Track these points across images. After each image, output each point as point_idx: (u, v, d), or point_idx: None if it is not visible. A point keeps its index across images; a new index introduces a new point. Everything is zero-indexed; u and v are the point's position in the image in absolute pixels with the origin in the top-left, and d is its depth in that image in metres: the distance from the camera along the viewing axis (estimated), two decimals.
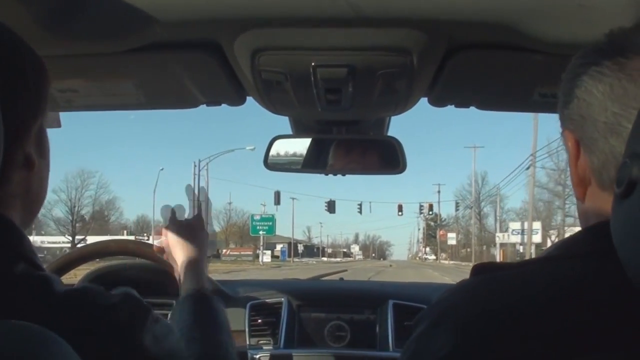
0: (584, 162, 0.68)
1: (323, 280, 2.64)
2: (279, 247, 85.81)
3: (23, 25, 0.99)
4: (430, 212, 72.28)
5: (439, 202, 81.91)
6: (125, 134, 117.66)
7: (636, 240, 0.53)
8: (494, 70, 1.27)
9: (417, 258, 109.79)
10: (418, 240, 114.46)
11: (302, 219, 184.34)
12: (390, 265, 56.78)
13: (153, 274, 1.79)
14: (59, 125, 1.74)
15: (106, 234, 56.60)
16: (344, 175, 1.88)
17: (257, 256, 62.31)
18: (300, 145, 1.83)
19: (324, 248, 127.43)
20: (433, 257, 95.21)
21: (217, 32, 1.13)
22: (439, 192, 76.81)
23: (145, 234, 62.07)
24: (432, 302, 0.68)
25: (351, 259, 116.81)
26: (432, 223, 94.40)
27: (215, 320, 1.16)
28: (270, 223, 53.08)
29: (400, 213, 66.61)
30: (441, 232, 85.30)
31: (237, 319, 2.02)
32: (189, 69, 1.29)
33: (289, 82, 1.26)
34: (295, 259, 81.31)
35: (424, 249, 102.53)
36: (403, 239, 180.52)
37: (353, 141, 1.82)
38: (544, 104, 1.41)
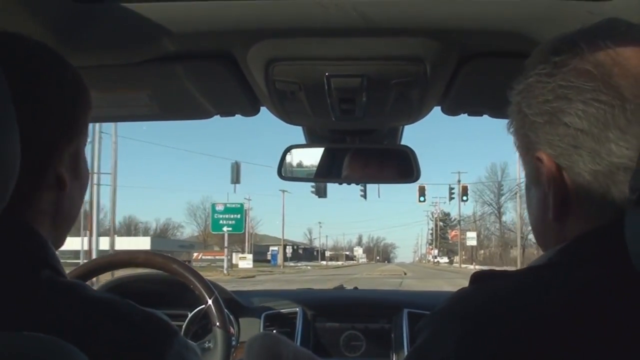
0: (568, 183, 0.66)
1: (337, 290, 2.63)
2: (275, 249, 77.80)
3: (37, 37, 1.00)
4: (465, 199, 52.29)
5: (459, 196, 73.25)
6: None
7: None
8: (506, 79, 1.25)
9: (426, 261, 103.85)
10: (428, 242, 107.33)
11: (303, 218, 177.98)
12: (405, 274, 45.52)
13: (168, 285, 1.80)
14: None
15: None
16: (357, 184, 1.87)
17: (237, 260, 52.32)
18: (314, 155, 1.83)
19: (324, 251, 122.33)
20: (445, 259, 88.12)
21: (231, 43, 1.13)
22: (458, 181, 58.83)
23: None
24: (433, 311, 0.67)
25: (354, 262, 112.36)
26: (442, 223, 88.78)
27: None
28: (238, 216, 33.55)
29: (422, 199, 48.58)
30: (454, 232, 77.04)
31: (252, 329, 2.02)
32: (202, 79, 1.30)
33: (303, 92, 1.26)
34: (291, 263, 76.18)
35: (432, 251, 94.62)
36: (408, 240, 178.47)
37: (367, 150, 1.82)
38: None
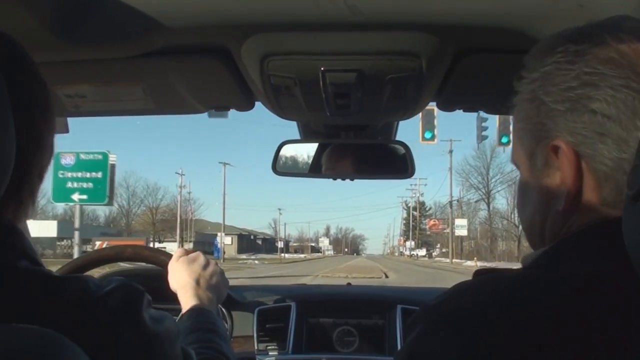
0: (585, 173, 0.65)
1: (331, 286, 2.65)
2: (225, 240, 66.44)
3: (31, 31, 1.00)
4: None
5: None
6: None
7: None
8: (502, 74, 1.26)
9: (399, 253, 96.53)
10: (401, 233, 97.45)
11: (272, 205, 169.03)
12: (386, 275, 33.68)
13: (160, 280, 1.78)
14: (66, 130, 1.71)
15: None
16: (352, 180, 1.87)
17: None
18: (309, 150, 1.83)
19: (287, 242, 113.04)
20: (422, 252, 78.16)
21: (226, 38, 1.13)
22: (450, 151, 52.62)
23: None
24: (426, 305, 0.65)
25: (320, 254, 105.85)
26: (415, 212, 78.90)
27: (213, 327, 1.19)
28: (99, 174, 17.20)
29: (428, 135, 28.97)
30: (432, 222, 68.25)
31: (245, 324, 2.02)
32: (197, 74, 1.29)
33: (298, 87, 1.26)
34: (244, 255, 69.79)
35: (406, 243, 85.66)
36: (378, 231, 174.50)
37: (362, 146, 1.82)
38: None
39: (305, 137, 1.86)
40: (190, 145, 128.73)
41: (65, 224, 52.04)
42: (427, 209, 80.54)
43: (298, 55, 1.14)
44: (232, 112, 1.62)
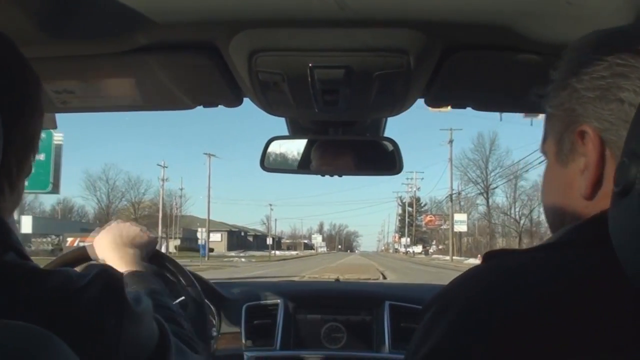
0: (608, 159, 0.67)
1: (319, 282, 2.66)
2: (214, 237, 66.84)
3: (20, 27, 1.00)
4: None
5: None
6: None
7: (634, 238, 0.54)
8: (490, 71, 1.28)
9: (394, 250, 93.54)
10: (396, 230, 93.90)
11: (264, 201, 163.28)
12: (384, 276, 26.83)
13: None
14: (54, 126, 1.71)
15: None
16: (340, 176, 1.87)
17: None
18: (297, 146, 1.83)
19: (279, 239, 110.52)
20: (418, 249, 74.14)
21: (214, 34, 1.13)
22: (450, 141, 50.62)
23: None
24: (440, 290, 0.67)
25: (313, 251, 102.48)
26: (410, 209, 76.16)
27: (152, 287, 1.22)
28: (42, 157, 13.70)
29: None
30: (428, 218, 65.64)
31: (233, 320, 2.03)
32: (185, 70, 1.29)
33: (286, 83, 1.25)
34: (233, 253, 65.66)
35: (401, 240, 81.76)
36: (372, 228, 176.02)
37: (350, 142, 1.82)
38: (540, 105, 1.42)
39: (294, 134, 1.85)
40: (180, 138, 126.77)
41: (41, 220, 50.09)
42: (422, 204, 77.82)
43: (286, 51, 1.14)
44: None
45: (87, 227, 52.21)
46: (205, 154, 58.78)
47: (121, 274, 0.84)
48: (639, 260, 0.54)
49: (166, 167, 57.39)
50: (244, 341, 2.01)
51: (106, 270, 0.80)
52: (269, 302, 2.09)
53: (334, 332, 2.07)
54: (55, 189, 16.20)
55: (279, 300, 2.08)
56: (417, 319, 2.01)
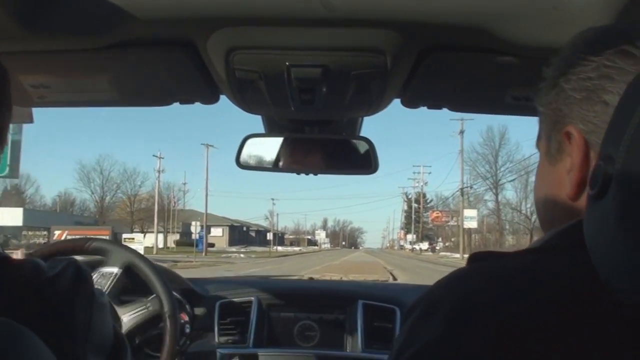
0: (592, 161, 0.67)
1: (293, 280, 2.67)
2: (215, 231, 66.40)
3: None
4: None
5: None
6: None
7: (607, 241, 0.54)
8: (467, 72, 1.29)
9: (399, 247, 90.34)
10: (401, 226, 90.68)
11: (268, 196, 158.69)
12: (393, 277, 23.35)
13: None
14: (31, 120, 1.71)
15: None
16: (316, 175, 1.88)
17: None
18: (273, 145, 1.83)
19: (283, 235, 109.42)
20: (425, 246, 70.79)
21: (192, 31, 1.13)
22: (461, 132, 48.70)
23: None
24: (426, 290, 0.67)
25: (316, 248, 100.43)
26: (416, 205, 73.77)
27: None
28: None
29: None
30: (435, 214, 62.77)
31: (207, 317, 2.03)
32: (162, 67, 1.29)
33: (263, 81, 1.26)
34: (233, 248, 64.01)
35: (406, 236, 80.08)
36: (376, 224, 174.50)
37: (326, 141, 1.82)
38: (516, 106, 1.42)
39: (270, 132, 1.86)
40: (180, 131, 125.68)
41: (32, 212, 48.09)
42: (428, 200, 75.13)
43: (263, 49, 1.14)
44: None
45: (81, 221, 51.73)
46: (203, 144, 56.38)
47: (88, 269, 0.85)
48: (611, 264, 0.55)
49: (162, 158, 55.69)
50: (217, 338, 2.01)
51: (75, 262, 0.81)
52: (242, 299, 2.09)
53: (307, 330, 2.08)
54: (13, 173, 15.50)
55: (252, 298, 2.08)
56: (390, 319, 2.04)
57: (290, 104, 1.38)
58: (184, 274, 2.29)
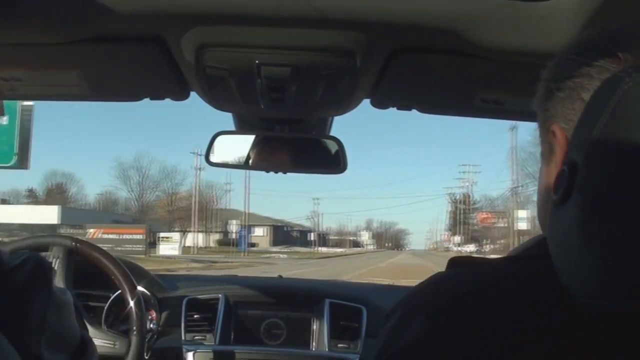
0: None
1: (261, 278, 2.67)
2: (258, 231, 63.57)
3: None
4: None
5: None
6: None
7: (569, 247, 0.54)
8: (436, 74, 1.29)
9: (444, 249, 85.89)
10: (446, 228, 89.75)
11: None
12: None
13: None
14: (1, 112, 1.76)
15: None
16: (285, 173, 1.88)
17: (153, 243, 35.30)
18: (243, 142, 1.83)
19: (325, 235, 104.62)
20: (471, 247, 68.83)
21: (163, 27, 1.13)
22: (512, 128, 48.36)
23: None
24: (405, 295, 0.67)
25: (360, 249, 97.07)
26: (462, 205, 73.80)
27: None
28: (4, 121, 12.95)
29: None
30: (483, 215, 63.30)
31: (175, 314, 2.04)
32: (133, 62, 1.29)
33: (233, 78, 1.26)
34: (275, 248, 62.91)
35: (452, 238, 79.48)
36: (420, 226, 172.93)
37: (295, 139, 1.83)
38: (484, 109, 1.42)
39: (240, 129, 1.86)
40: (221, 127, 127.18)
41: (70, 211, 47.81)
42: (476, 201, 75.10)
43: (234, 47, 1.14)
44: None
45: (119, 219, 51.22)
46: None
47: (50, 262, 0.87)
48: (572, 270, 0.55)
49: (200, 154, 52.02)
50: (183, 336, 2.01)
51: (36, 255, 0.81)
52: (209, 296, 2.09)
53: (273, 328, 2.08)
54: (22, 163, 13.42)
55: (220, 295, 2.09)
56: (356, 318, 2.05)
57: (260, 102, 1.38)
58: (221, 274, 2.31)
